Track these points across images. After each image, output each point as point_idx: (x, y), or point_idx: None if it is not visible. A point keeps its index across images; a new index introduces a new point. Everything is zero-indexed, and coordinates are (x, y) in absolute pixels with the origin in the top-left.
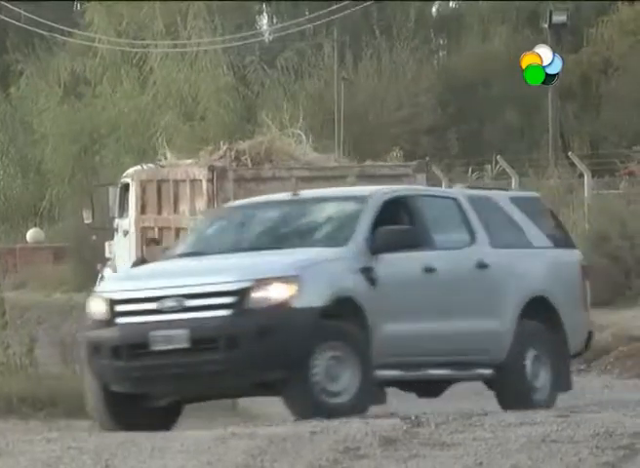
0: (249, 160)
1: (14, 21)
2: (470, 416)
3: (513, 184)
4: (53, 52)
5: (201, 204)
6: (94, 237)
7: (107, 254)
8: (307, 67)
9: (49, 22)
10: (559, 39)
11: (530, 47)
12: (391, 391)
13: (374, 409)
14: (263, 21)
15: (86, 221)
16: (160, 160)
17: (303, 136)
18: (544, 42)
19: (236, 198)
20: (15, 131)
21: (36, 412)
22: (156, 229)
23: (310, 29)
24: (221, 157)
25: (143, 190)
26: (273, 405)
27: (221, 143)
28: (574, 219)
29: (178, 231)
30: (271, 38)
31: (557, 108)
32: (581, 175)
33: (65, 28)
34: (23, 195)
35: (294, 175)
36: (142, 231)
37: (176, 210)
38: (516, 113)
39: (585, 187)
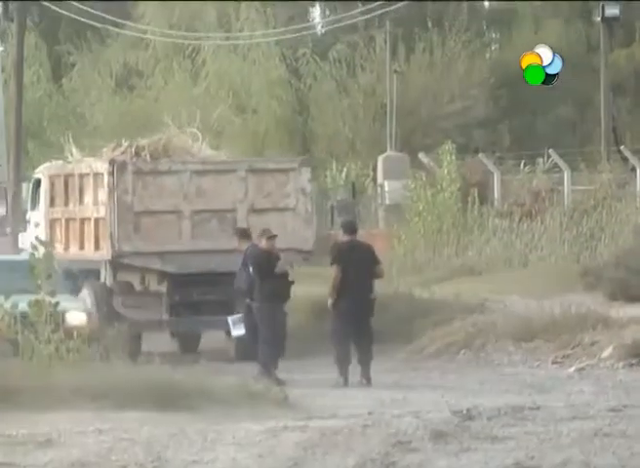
0: (148, 155)
1: (66, 13)
2: (522, 410)
3: (565, 178)
4: (105, 43)
5: (103, 195)
6: (8, 229)
7: (20, 245)
8: (359, 60)
9: (101, 14)
10: (611, 33)
11: (582, 41)
12: (445, 385)
13: (426, 404)
14: (316, 14)
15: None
16: (67, 157)
17: (199, 134)
18: (596, 36)
19: (135, 189)
20: (67, 122)
21: (88, 404)
22: (63, 220)
23: (362, 22)
24: (123, 153)
25: (52, 184)
26: (325, 398)
27: (123, 141)
28: (626, 213)
29: (82, 221)
30: (323, 30)
31: (609, 102)
32: (634, 169)
33: (118, 20)
34: None
35: (188, 168)
36: (51, 223)
37: (81, 202)
38: (568, 107)
39: (638, 181)
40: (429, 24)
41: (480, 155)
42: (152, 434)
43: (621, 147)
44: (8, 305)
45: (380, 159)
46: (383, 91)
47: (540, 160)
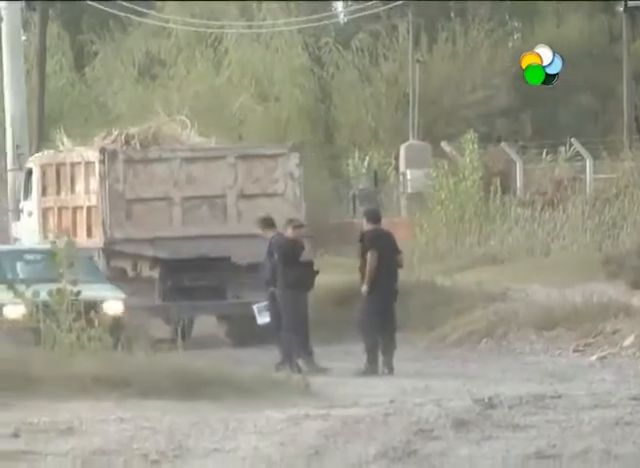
0: (138, 143)
1: (89, 2)
2: (543, 399)
3: (587, 166)
4: (127, 32)
5: (94, 184)
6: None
7: (14, 234)
8: (382, 49)
9: (124, 3)
10: (634, 22)
11: (605, 30)
12: (467, 373)
13: (448, 392)
14: (338, 3)
15: None
16: (59, 146)
17: (188, 122)
18: (619, 25)
19: (126, 177)
20: (90, 111)
21: (109, 393)
22: (55, 209)
23: (385, 11)
24: (113, 141)
25: (44, 174)
26: (346, 386)
27: (113, 129)
28: None
29: (75, 210)
30: (346, 19)
31: (632, 91)
32: None
33: (140, 9)
34: None
35: (178, 156)
36: (44, 212)
37: (72, 190)
38: (591, 96)
39: None
40: (452, 14)
41: (502, 144)
42: (174, 422)
43: None
44: (29, 294)
45: (403, 148)
46: (406, 80)
47: (563, 149)
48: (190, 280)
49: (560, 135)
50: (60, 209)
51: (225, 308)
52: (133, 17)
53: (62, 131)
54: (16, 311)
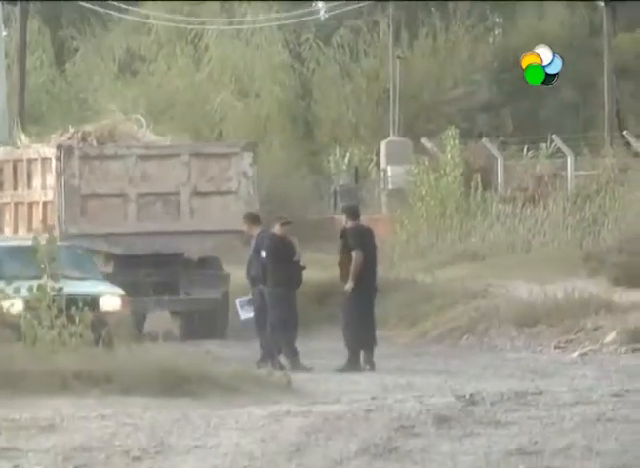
0: (94, 140)
1: None
2: (525, 395)
3: (568, 163)
4: (108, 28)
5: (51, 180)
6: None
7: None
8: (363, 45)
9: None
10: (615, 16)
11: (585, 24)
12: (448, 370)
13: (429, 389)
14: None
15: None
16: (16, 143)
17: (144, 121)
18: (600, 19)
19: (82, 174)
20: (70, 107)
21: (91, 389)
22: (12, 204)
23: (366, 7)
24: (70, 138)
25: (1, 170)
26: (328, 383)
27: (70, 126)
28: (630, 198)
29: (31, 205)
30: (327, 15)
31: (613, 86)
32: (637, 154)
33: (121, 4)
34: None
35: (133, 153)
36: (1, 207)
37: (29, 186)
38: (572, 91)
39: None
40: (433, 9)
41: (483, 140)
42: (155, 419)
43: (625, 132)
44: (10, 291)
45: (384, 144)
46: (387, 76)
47: (544, 145)
48: (144, 275)
49: (541, 129)
50: (16, 204)
51: (177, 304)
52: (113, 12)
53: (20, 128)
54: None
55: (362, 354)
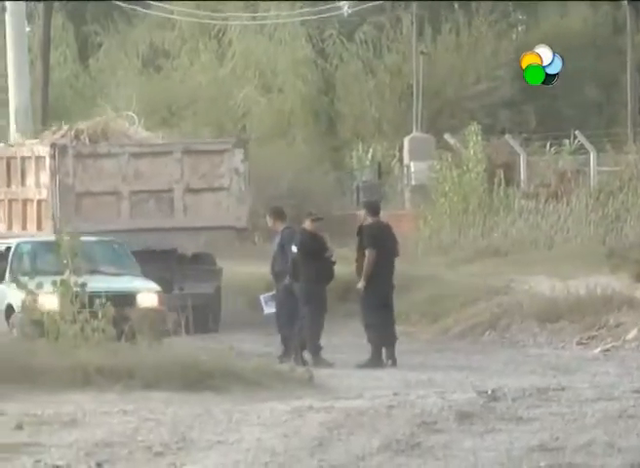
0: (87, 138)
1: None
2: (547, 391)
3: (591, 159)
4: (132, 24)
5: (45, 178)
6: None
7: None
8: (386, 41)
9: None
10: (638, 14)
11: (608, 22)
12: (470, 366)
13: (451, 385)
14: None
15: None
16: (7, 140)
17: (135, 118)
18: (623, 17)
19: (75, 172)
20: (94, 102)
21: (113, 384)
22: (6, 201)
23: (389, 3)
24: (63, 136)
25: None
26: (350, 378)
27: (63, 124)
28: None
29: (25, 202)
30: (350, 11)
31: (636, 84)
32: None
33: (144, 0)
34: None
35: (126, 151)
36: None
37: (23, 183)
38: (595, 88)
39: None
40: (455, 5)
41: (506, 136)
42: (177, 414)
43: None
44: (32, 286)
45: (407, 140)
46: (410, 71)
47: (567, 141)
48: None
49: (564, 126)
50: (10, 201)
51: (171, 300)
52: (137, 8)
53: (15, 125)
54: (51, 301)
55: (384, 350)
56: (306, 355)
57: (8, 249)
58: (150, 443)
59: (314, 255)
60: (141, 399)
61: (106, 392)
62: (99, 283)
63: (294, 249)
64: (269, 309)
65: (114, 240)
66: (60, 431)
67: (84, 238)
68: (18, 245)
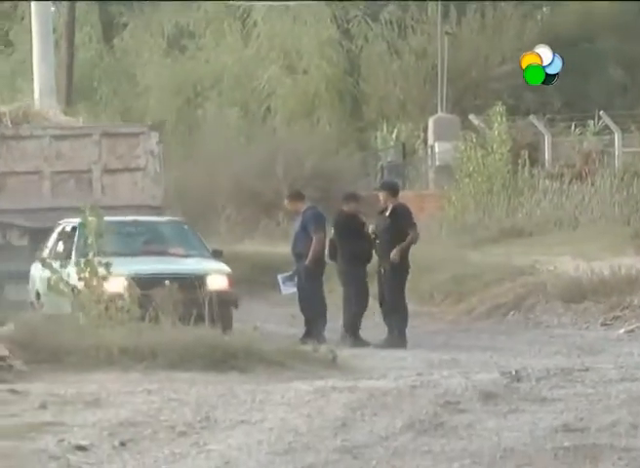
0: (9, 121)
1: None
2: (571, 372)
3: (616, 139)
4: (156, 4)
5: None
6: None
7: None
8: (411, 22)
9: None
10: None
11: (634, 4)
12: (494, 346)
13: (475, 365)
14: None
15: None
16: None
17: (54, 102)
18: None
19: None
20: (119, 83)
21: (137, 364)
22: None
23: None
24: None
25: None
26: (373, 359)
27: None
28: None
29: None
30: None
31: None
32: None
33: None
34: None
35: (48, 133)
36: None
37: None
38: (620, 69)
39: None
40: None
41: (531, 117)
42: (201, 394)
43: None
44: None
45: (431, 120)
46: (434, 52)
47: (591, 122)
48: None
49: (589, 107)
50: None
51: None
52: None
53: (40, 106)
54: (118, 284)
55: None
56: (343, 334)
57: (74, 229)
58: (174, 422)
59: (352, 236)
60: (165, 379)
61: (130, 372)
62: (167, 265)
63: (332, 231)
64: (287, 289)
65: (183, 220)
66: (84, 411)
67: (154, 219)
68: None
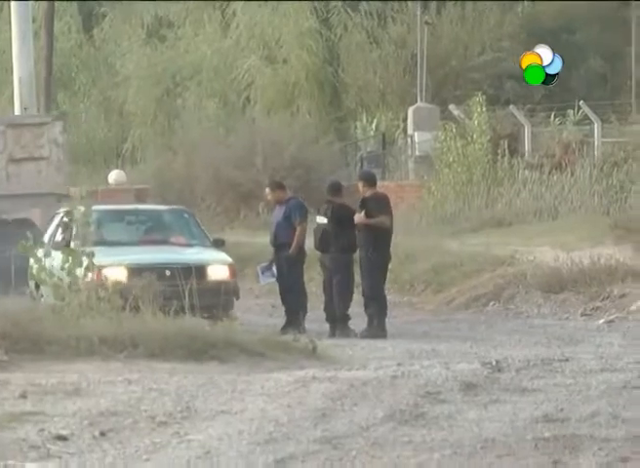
0: None
1: None
2: (551, 362)
3: (596, 130)
4: None
5: None
6: None
7: None
8: (390, 11)
9: None
10: None
11: None
12: (474, 337)
13: (455, 355)
14: None
15: None
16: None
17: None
18: None
19: None
20: (98, 73)
21: (117, 354)
22: None
23: None
24: None
25: None
26: (354, 349)
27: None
28: None
29: None
30: None
31: None
32: None
33: None
34: (106, 137)
35: None
36: None
37: None
38: (599, 59)
39: None
40: None
41: (511, 107)
42: (181, 384)
43: None
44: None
45: (411, 110)
46: (414, 42)
47: (571, 112)
48: None
49: (569, 98)
50: None
51: None
52: None
53: (19, 96)
54: (118, 273)
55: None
56: (337, 326)
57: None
58: (154, 412)
59: (347, 226)
60: (146, 368)
61: (111, 361)
62: (168, 254)
63: (321, 220)
64: (265, 279)
65: (184, 209)
66: (64, 400)
67: (154, 207)
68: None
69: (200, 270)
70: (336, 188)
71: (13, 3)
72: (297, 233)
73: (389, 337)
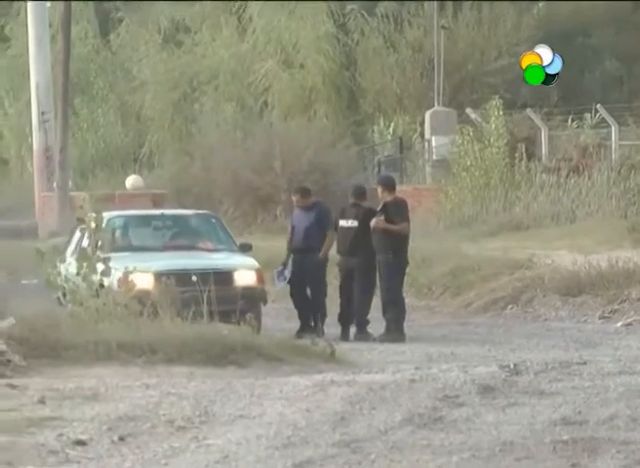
0: None
1: None
2: (569, 365)
3: (613, 133)
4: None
5: None
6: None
7: None
8: (407, 15)
9: None
10: None
11: None
12: (492, 340)
13: (473, 358)
14: None
15: None
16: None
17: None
18: None
19: None
20: (115, 78)
21: (135, 359)
22: None
23: None
24: None
25: None
26: (372, 352)
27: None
28: None
29: None
30: None
31: None
32: None
33: None
34: (123, 142)
35: None
36: None
37: None
38: (616, 62)
39: None
40: None
41: (528, 110)
42: (200, 389)
43: None
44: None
45: (428, 114)
46: (431, 46)
47: (588, 115)
48: None
49: (585, 101)
50: None
51: None
52: None
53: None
54: (144, 280)
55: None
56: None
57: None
58: (173, 417)
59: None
60: (164, 373)
61: (129, 366)
62: (195, 260)
63: (348, 223)
64: (280, 283)
65: (211, 214)
66: (83, 405)
67: (181, 212)
68: (109, 219)
69: (227, 275)
70: (361, 192)
71: (30, 8)
72: (327, 238)
73: (408, 341)
